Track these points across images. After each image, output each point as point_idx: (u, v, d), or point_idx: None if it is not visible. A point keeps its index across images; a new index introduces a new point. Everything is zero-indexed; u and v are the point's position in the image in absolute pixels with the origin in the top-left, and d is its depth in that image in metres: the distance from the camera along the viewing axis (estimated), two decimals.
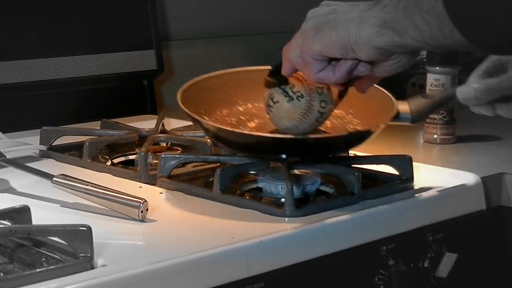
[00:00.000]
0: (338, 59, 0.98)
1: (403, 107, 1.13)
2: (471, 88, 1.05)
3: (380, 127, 1.11)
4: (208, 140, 1.27)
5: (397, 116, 1.13)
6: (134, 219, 0.99)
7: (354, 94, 1.10)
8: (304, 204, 1.04)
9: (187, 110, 1.14)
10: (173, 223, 1.02)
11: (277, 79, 1.08)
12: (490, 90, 1.04)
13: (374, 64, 0.97)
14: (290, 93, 1.08)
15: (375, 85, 1.11)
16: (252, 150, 1.13)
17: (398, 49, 0.94)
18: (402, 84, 1.86)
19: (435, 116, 1.44)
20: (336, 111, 1.15)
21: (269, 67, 1.12)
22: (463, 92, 1.06)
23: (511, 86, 1.02)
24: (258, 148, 1.12)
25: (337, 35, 0.95)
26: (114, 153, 1.31)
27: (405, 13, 0.89)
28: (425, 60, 1.51)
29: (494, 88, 1.04)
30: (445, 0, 0.85)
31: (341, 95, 1.09)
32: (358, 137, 1.12)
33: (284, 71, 1.05)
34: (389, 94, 1.18)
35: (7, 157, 1.19)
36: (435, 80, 1.44)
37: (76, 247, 0.85)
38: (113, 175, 1.21)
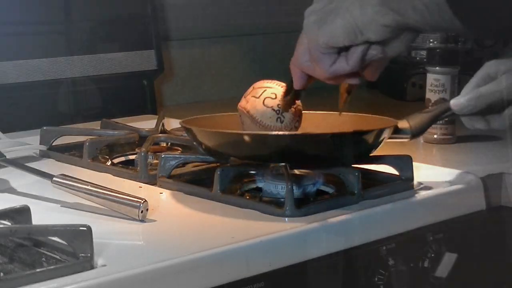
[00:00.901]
0: (347, 49, 0.97)
1: (403, 123, 1.15)
2: (462, 98, 1.08)
3: (382, 134, 1.11)
4: None
5: (397, 131, 1.14)
6: (134, 219, 0.99)
7: (354, 121, 1.16)
8: (304, 204, 1.04)
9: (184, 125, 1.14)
10: (173, 223, 1.02)
11: (291, 97, 1.10)
12: (480, 97, 1.06)
13: (384, 44, 0.96)
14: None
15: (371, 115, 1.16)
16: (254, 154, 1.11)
17: (403, 28, 0.93)
18: (402, 84, 1.86)
19: None
20: None
21: None
22: (455, 103, 1.09)
23: (500, 91, 1.05)
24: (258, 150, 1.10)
25: (342, 22, 0.94)
26: (114, 153, 1.31)
27: None
28: (425, 60, 1.51)
29: (484, 95, 1.06)
30: None
31: (349, 90, 1.08)
32: (360, 139, 1.10)
33: (296, 84, 1.06)
34: (387, 117, 1.19)
35: (7, 157, 1.19)
36: (435, 80, 1.44)
37: (76, 247, 0.85)
38: (113, 175, 1.21)
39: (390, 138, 1.13)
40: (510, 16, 0.86)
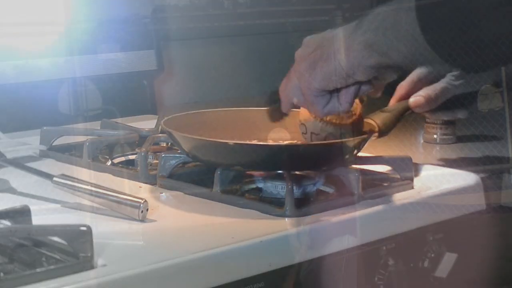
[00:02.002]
0: (338, 89, 1.03)
1: (370, 122, 1.18)
2: (420, 96, 1.16)
3: (353, 140, 1.12)
4: None
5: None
6: (134, 219, 0.99)
7: None
8: (304, 204, 1.04)
9: (167, 128, 1.14)
10: (173, 223, 1.02)
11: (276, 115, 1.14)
12: (438, 95, 1.16)
13: (374, 79, 1.03)
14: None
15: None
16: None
17: (386, 66, 0.99)
18: None
19: None
20: None
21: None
22: (413, 100, 1.18)
23: (455, 88, 1.15)
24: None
25: (330, 68, 1.01)
26: (114, 153, 1.31)
27: (385, 37, 0.95)
28: None
29: (440, 92, 1.16)
30: (422, 26, 0.91)
31: (362, 100, 1.14)
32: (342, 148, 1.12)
33: (284, 108, 1.11)
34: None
35: (7, 157, 1.19)
36: None
37: (76, 247, 0.85)
38: (113, 175, 1.21)
39: None
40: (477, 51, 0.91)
